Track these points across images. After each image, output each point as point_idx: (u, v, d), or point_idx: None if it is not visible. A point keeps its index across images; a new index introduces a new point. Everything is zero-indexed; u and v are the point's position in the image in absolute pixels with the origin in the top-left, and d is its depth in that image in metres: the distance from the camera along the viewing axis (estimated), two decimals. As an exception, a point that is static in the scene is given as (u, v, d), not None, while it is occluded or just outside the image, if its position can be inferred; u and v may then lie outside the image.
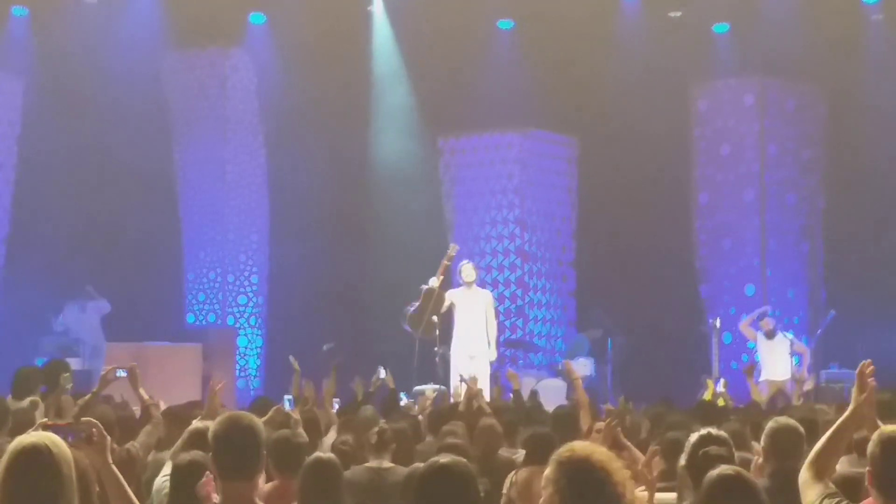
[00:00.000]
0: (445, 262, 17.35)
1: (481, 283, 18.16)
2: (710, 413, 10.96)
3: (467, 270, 17.25)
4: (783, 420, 6.78)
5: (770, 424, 6.67)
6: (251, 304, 22.62)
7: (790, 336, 18.97)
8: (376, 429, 8.43)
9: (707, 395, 17.51)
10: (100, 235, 20.93)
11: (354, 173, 22.19)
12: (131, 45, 20.83)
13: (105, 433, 5.31)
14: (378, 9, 21.63)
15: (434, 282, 17.07)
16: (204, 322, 22.26)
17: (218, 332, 21.14)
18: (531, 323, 22.39)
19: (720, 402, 14.42)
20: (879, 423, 5.88)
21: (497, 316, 17.83)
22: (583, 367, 19.43)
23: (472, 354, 16.80)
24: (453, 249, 17.64)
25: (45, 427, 5.23)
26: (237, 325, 22.19)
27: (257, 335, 22.55)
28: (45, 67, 20.99)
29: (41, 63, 21.05)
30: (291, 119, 21.92)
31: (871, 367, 5.85)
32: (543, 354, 21.92)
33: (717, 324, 19.82)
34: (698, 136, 22.86)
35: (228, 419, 5.53)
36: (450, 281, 18.22)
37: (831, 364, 19.81)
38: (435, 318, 16.92)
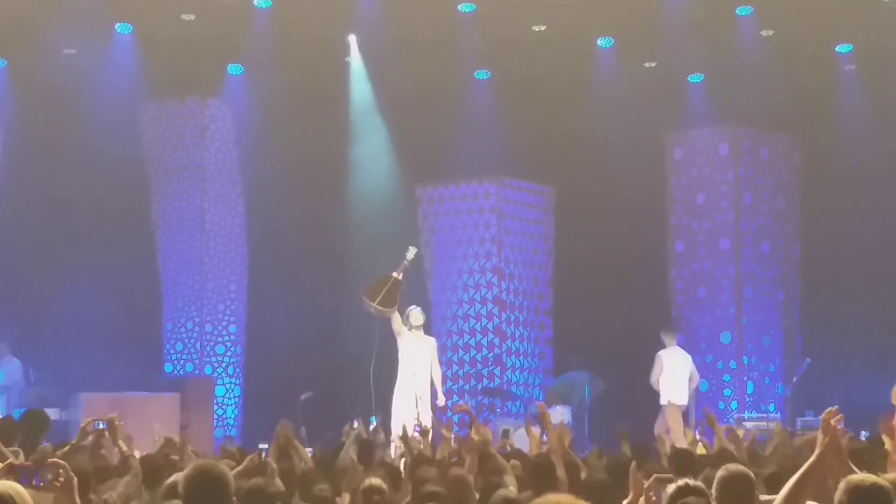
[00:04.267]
0: (406, 263, 17.12)
1: (445, 331, 17.95)
2: (685, 461, 10.80)
3: (416, 315, 17.00)
4: (733, 468, 6.73)
5: (720, 472, 6.62)
6: (229, 353, 22.60)
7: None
8: (365, 486, 8.22)
9: (685, 444, 17.55)
10: (78, 284, 20.89)
11: (333, 222, 22.24)
12: (110, 96, 20.85)
13: (72, 474, 5.28)
14: (355, 59, 21.70)
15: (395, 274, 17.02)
16: (182, 371, 22.23)
17: (196, 382, 21.06)
18: (509, 371, 22.42)
19: (700, 450, 14.43)
20: (855, 469, 5.93)
21: (440, 364, 17.63)
22: (559, 414, 19.44)
23: (419, 396, 16.75)
24: (412, 252, 17.33)
25: (12, 467, 5.18)
26: (215, 375, 22.16)
27: (235, 385, 22.52)
28: (24, 118, 21.02)
29: (20, 113, 21.08)
30: (270, 169, 21.99)
31: (838, 416, 5.90)
32: (521, 403, 21.94)
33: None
34: (674, 185, 23.03)
35: (198, 469, 5.54)
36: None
37: (807, 412, 19.86)
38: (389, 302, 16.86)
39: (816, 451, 5.88)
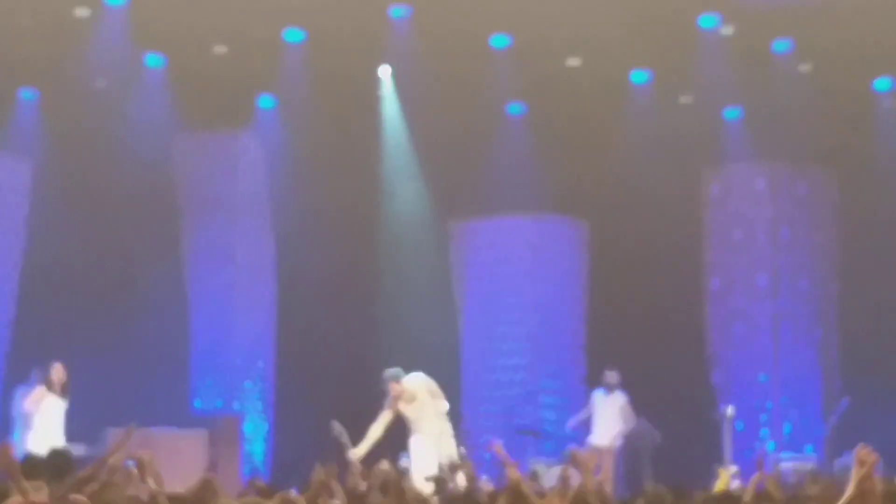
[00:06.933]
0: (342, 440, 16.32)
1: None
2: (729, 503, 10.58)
3: (391, 389, 16.34)
4: None
5: None
6: (257, 388, 22.49)
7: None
8: None
9: (720, 485, 17.29)
10: (108, 317, 20.88)
11: (364, 256, 22.17)
12: (141, 128, 20.87)
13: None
14: (388, 93, 21.67)
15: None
16: (210, 406, 22.11)
17: (224, 418, 20.98)
18: (541, 409, 22.21)
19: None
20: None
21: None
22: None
23: (438, 433, 16.42)
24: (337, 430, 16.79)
25: (33, 504, 5.06)
26: (242, 410, 22.05)
27: (263, 420, 22.39)
28: (53, 150, 21.05)
29: (50, 145, 21.12)
30: (301, 202, 21.94)
31: (872, 455, 5.80)
32: (554, 441, 21.68)
33: (730, 411, 19.65)
34: (710, 220, 22.84)
35: None
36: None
37: (844, 452, 19.58)
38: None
39: (852, 486, 5.75)
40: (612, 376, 19.32)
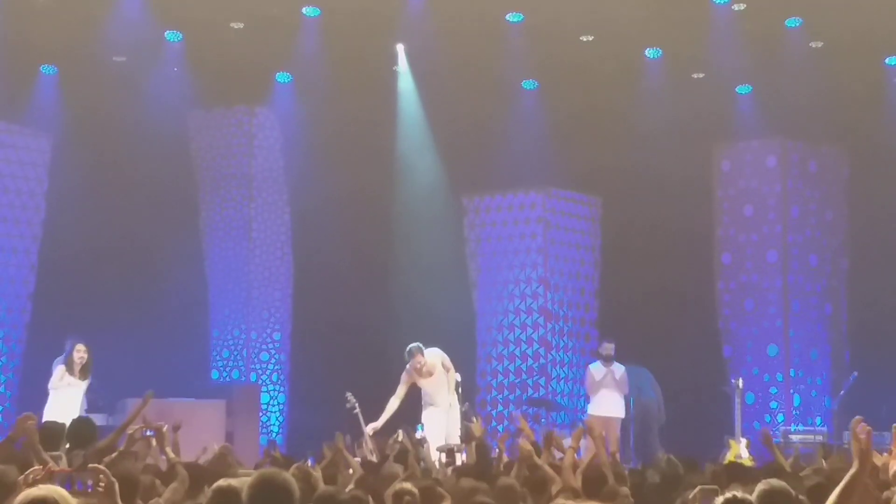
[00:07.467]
0: (356, 411, 16.62)
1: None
2: (738, 474, 10.69)
3: (415, 361, 16.55)
4: (775, 482, 6.64)
5: (760, 486, 6.53)
6: (273, 360, 22.67)
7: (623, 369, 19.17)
8: (396, 489, 8.28)
9: (730, 456, 17.50)
10: (126, 290, 21.04)
11: (379, 231, 22.24)
12: (158, 104, 20.94)
13: (112, 479, 5.28)
14: (403, 68, 21.72)
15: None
16: (228, 378, 22.31)
17: (242, 389, 21.14)
18: (553, 381, 22.37)
19: (748, 462, 14.38)
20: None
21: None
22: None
23: (449, 406, 16.64)
24: (351, 402, 16.76)
25: (52, 474, 5.19)
26: (259, 382, 22.23)
27: (279, 392, 22.58)
28: (72, 125, 21.13)
29: (69, 120, 21.20)
30: (316, 178, 22.03)
31: (862, 425, 5.92)
32: (566, 413, 21.89)
33: (740, 384, 19.80)
34: (721, 197, 22.95)
35: (262, 478, 5.50)
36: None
37: (854, 425, 19.69)
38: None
39: (855, 462, 5.87)
40: (609, 348, 19.35)
